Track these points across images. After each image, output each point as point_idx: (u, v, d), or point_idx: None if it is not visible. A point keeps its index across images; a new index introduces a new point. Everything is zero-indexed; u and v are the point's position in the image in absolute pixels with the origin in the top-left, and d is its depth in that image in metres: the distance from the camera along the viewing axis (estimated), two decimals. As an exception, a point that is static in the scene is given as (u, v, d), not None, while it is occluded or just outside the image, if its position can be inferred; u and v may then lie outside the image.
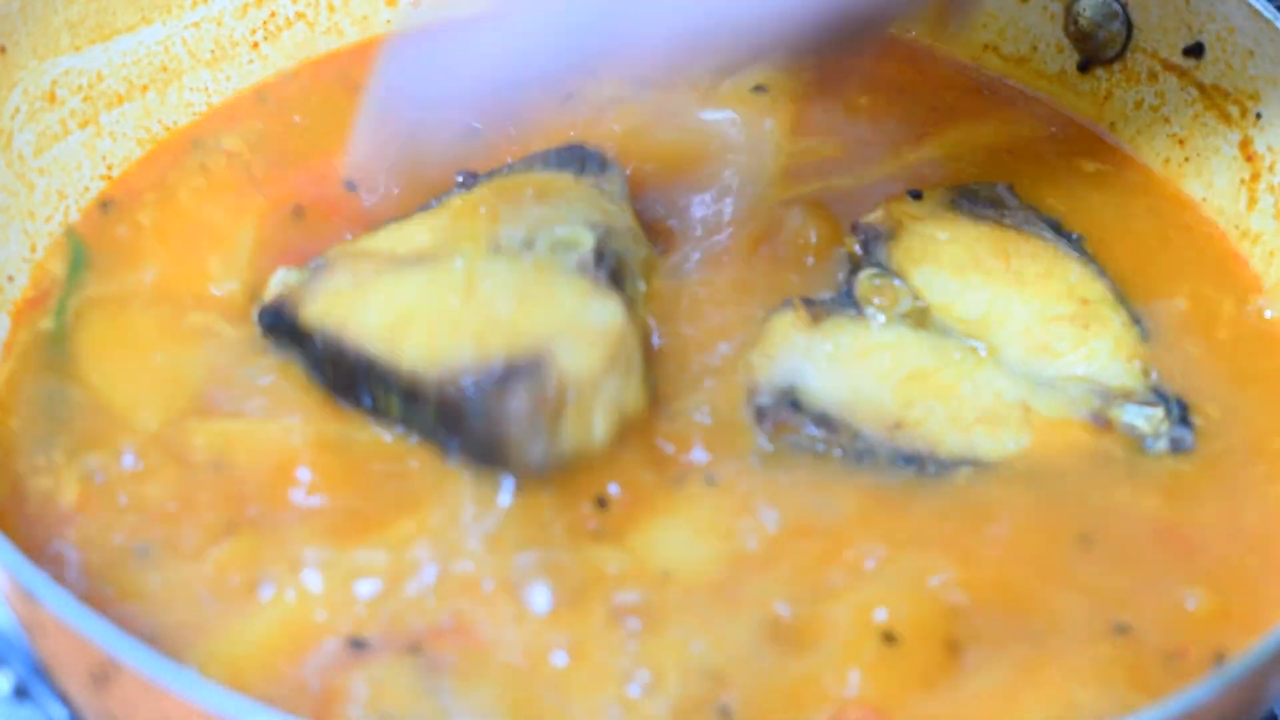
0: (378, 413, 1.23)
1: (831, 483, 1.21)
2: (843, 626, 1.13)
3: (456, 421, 1.21)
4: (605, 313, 1.24)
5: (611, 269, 1.28)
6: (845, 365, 1.25)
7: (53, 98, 1.38)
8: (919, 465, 1.22)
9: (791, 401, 1.23)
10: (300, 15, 1.51)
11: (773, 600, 1.15)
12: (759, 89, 1.49)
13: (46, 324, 1.31)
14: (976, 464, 1.22)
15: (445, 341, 1.22)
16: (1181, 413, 1.26)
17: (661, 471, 1.21)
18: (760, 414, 1.23)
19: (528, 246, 1.28)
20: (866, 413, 1.23)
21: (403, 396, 1.22)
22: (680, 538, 1.18)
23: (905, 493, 1.21)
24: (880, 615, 1.14)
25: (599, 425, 1.22)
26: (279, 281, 1.30)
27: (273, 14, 1.50)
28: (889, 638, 1.13)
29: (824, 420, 1.23)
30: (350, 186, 1.38)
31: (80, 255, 1.33)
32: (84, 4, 1.40)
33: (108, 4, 1.42)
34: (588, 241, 1.28)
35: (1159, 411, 1.26)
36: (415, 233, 1.31)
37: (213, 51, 1.48)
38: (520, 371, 1.20)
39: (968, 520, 1.20)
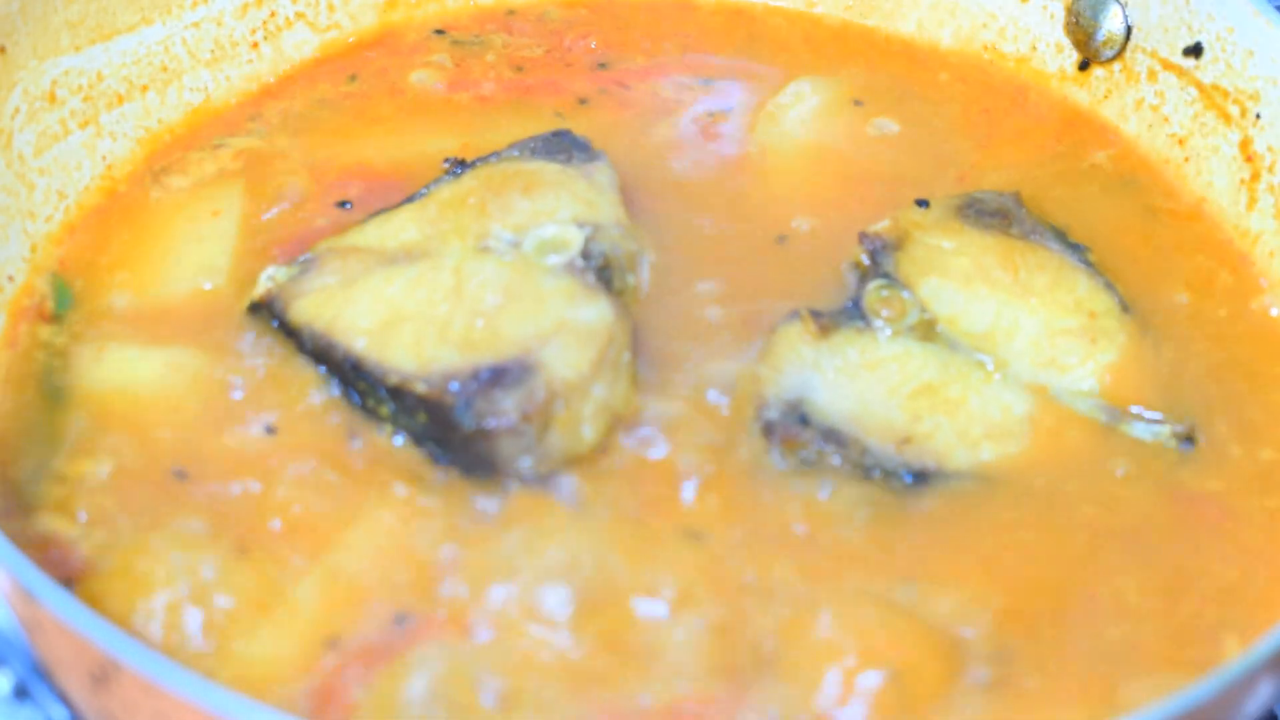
0: (368, 412, 1.23)
1: (839, 498, 1.21)
2: (847, 641, 1.14)
3: (445, 429, 1.20)
4: (593, 314, 1.24)
5: (599, 267, 1.28)
6: (853, 378, 1.25)
7: (53, 98, 1.38)
8: (927, 480, 1.21)
9: (800, 416, 1.23)
10: (300, 15, 1.51)
11: (774, 615, 1.15)
12: (773, 82, 1.50)
13: (46, 329, 1.30)
14: (984, 478, 1.22)
15: (433, 345, 1.22)
16: (1189, 426, 1.26)
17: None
18: (768, 428, 1.22)
19: (515, 247, 1.28)
20: (875, 427, 1.23)
21: (391, 399, 1.22)
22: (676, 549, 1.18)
23: (913, 507, 1.20)
24: (885, 633, 1.14)
25: (588, 429, 1.22)
26: (268, 278, 1.30)
27: (273, 14, 1.50)
28: (895, 655, 1.13)
29: (832, 434, 1.22)
30: (344, 206, 1.38)
31: (66, 296, 1.32)
32: (84, 4, 1.40)
33: (108, 4, 1.42)
34: (575, 241, 1.28)
35: (1166, 428, 1.25)
36: (403, 226, 1.31)
37: (213, 51, 1.48)
38: (508, 380, 1.20)
39: (975, 535, 1.19)
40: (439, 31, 1.54)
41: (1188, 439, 1.25)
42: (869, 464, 1.21)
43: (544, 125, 1.42)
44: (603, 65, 1.51)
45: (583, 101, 1.48)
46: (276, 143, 1.43)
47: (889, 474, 1.21)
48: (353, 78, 1.50)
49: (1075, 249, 1.35)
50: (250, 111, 1.47)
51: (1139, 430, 1.25)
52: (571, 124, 1.42)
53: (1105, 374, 1.28)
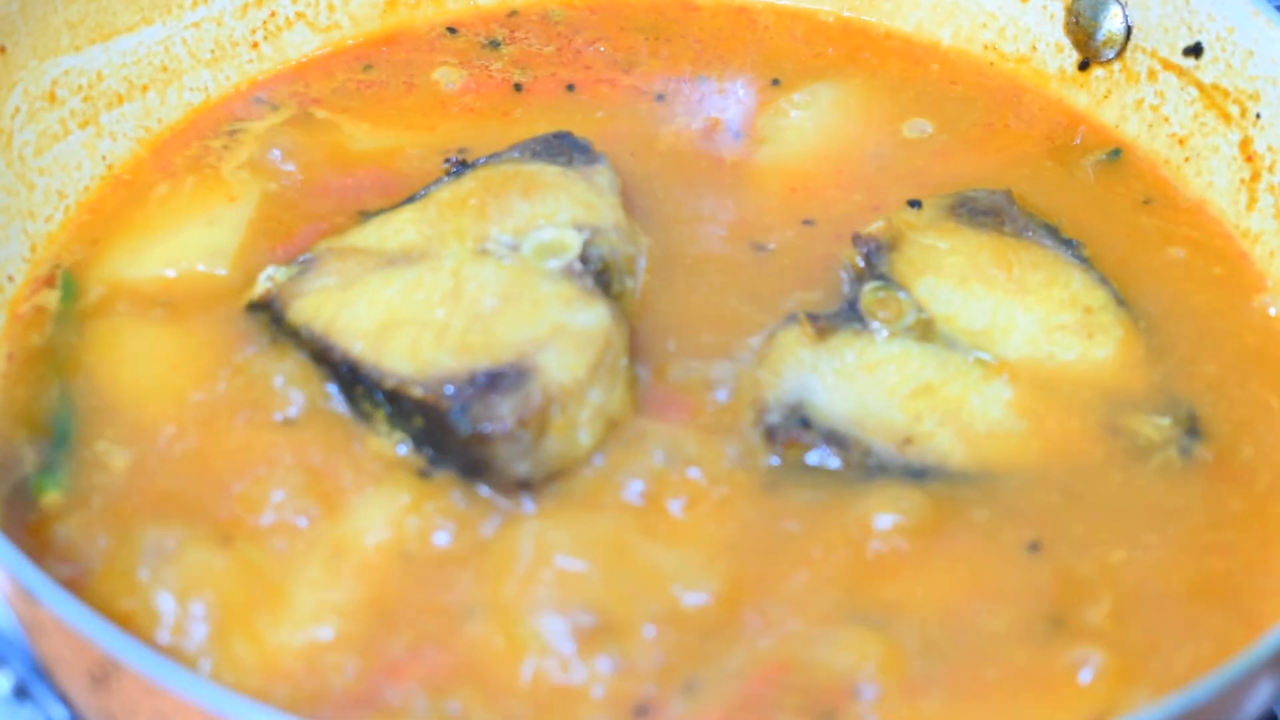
0: (365, 413, 1.23)
1: (843, 499, 1.20)
2: (855, 643, 1.14)
3: (441, 433, 1.20)
4: (590, 319, 1.24)
5: (597, 271, 1.28)
6: (852, 380, 1.25)
7: (53, 98, 1.38)
8: (931, 479, 1.21)
9: (801, 419, 1.22)
10: (300, 15, 1.51)
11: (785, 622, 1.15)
12: (775, 82, 1.49)
13: (46, 326, 1.30)
14: (988, 476, 1.22)
15: (430, 348, 1.22)
16: (1190, 420, 1.26)
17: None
18: (770, 432, 1.22)
19: (513, 250, 1.28)
20: (876, 428, 1.23)
21: (388, 402, 1.22)
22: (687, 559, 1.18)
23: (919, 506, 1.20)
24: (894, 633, 1.14)
25: (584, 434, 1.21)
26: (266, 278, 1.30)
27: (273, 14, 1.50)
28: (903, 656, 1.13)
29: (834, 437, 1.22)
30: (366, 217, 1.37)
31: (69, 289, 1.32)
32: (84, 4, 1.40)
33: (108, 4, 1.42)
34: (574, 245, 1.28)
35: (1168, 419, 1.26)
36: (402, 227, 1.31)
37: (213, 51, 1.48)
38: (504, 385, 1.20)
39: (981, 533, 1.19)
40: (451, 30, 1.54)
41: (1190, 431, 1.25)
42: (872, 465, 1.21)
43: (552, 125, 1.42)
44: (611, 66, 1.51)
45: (589, 102, 1.48)
46: (276, 144, 1.43)
47: (893, 474, 1.21)
48: (368, 67, 1.50)
49: (1068, 245, 1.35)
50: (250, 112, 1.46)
51: (1140, 422, 1.25)
52: (577, 125, 1.42)
53: (1104, 368, 1.28)
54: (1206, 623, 1.17)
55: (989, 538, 1.19)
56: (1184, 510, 1.22)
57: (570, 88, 1.49)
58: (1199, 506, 1.23)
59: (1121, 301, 1.32)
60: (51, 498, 1.20)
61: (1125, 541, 1.20)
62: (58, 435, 1.23)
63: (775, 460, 1.21)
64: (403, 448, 1.21)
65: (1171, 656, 1.15)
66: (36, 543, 1.18)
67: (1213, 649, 1.15)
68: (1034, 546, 1.19)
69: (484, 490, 1.19)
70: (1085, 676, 1.13)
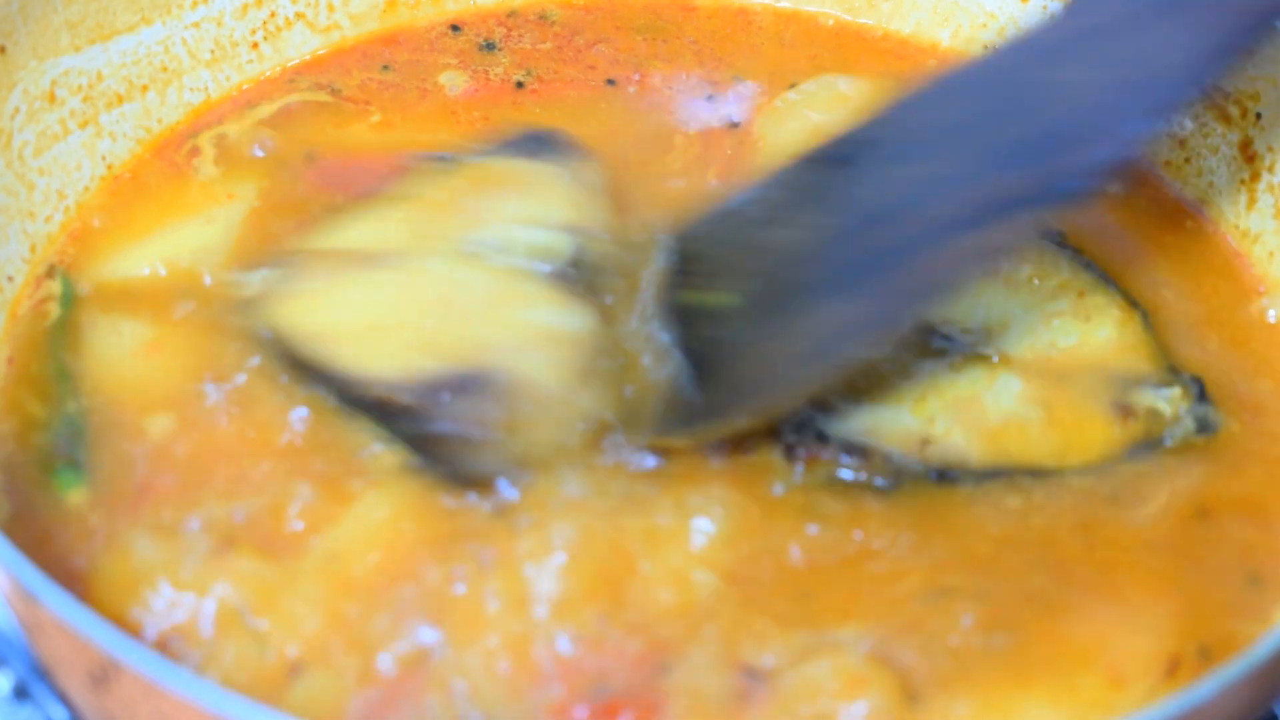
0: (351, 416, 1.23)
1: (867, 505, 1.21)
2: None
3: (424, 438, 1.20)
4: (576, 322, 1.24)
5: (584, 273, 1.28)
6: (861, 390, 1.25)
7: (53, 98, 1.38)
8: (954, 479, 1.21)
9: (816, 433, 1.22)
10: (300, 15, 1.51)
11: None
12: (791, 85, 1.50)
13: (45, 326, 1.31)
14: (1009, 469, 1.22)
15: (413, 353, 1.22)
16: (1200, 390, 1.26)
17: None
18: (790, 450, 1.22)
19: (498, 251, 1.28)
20: (892, 434, 1.23)
21: (374, 407, 1.22)
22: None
23: (944, 507, 1.20)
24: (928, 631, 1.14)
25: (570, 438, 1.21)
26: (256, 280, 1.30)
27: (273, 14, 1.50)
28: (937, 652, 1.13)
29: (852, 448, 1.22)
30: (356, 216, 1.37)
31: (70, 289, 1.33)
32: (84, 4, 1.40)
33: (108, 4, 1.42)
34: (560, 247, 1.28)
35: (1177, 390, 1.26)
36: (387, 227, 1.31)
37: (213, 51, 1.48)
38: (488, 390, 1.19)
39: (1008, 527, 1.20)
40: (455, 28, 1.54)
41: (1200, 399, 1.25)
42: (893, 471, 1.21)
43: (551, 124, 1.42)
44: (610, 66, 1.51)
45: (587, 101, 1.48)
46: (276, 144, 1.43)
47: (916, 478, 1.21)
48: (385, 66, 1.50)
49: (1049, 234, 1.35)
50: (250, 112, 1.47)
51: (1149, 397, 1.25)
52: (574, 123, 1.42)
53: (1105, 349, 1.28)
54: (1230, 597, 1.17)
55: (1015, 530, 1.19)
56: (1200, 482, 1.22)
57: (571, 88, 1.49)
58: (1214, 479, 1.23)
59: (1110, 281, 1.32)
60: (75, 496, 1.20)
61: (1150, 521, 1.20)
62: (66, 435, 1.24)
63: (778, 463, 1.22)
64: (391, 450, 1.21)
65: (1196, 633, 1.15)
66: (35, 543, 1.18)
67: (1237, 624, 1.16)
68: (1060, 534, 1.19)
69: (473, 493, 1.19)
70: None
